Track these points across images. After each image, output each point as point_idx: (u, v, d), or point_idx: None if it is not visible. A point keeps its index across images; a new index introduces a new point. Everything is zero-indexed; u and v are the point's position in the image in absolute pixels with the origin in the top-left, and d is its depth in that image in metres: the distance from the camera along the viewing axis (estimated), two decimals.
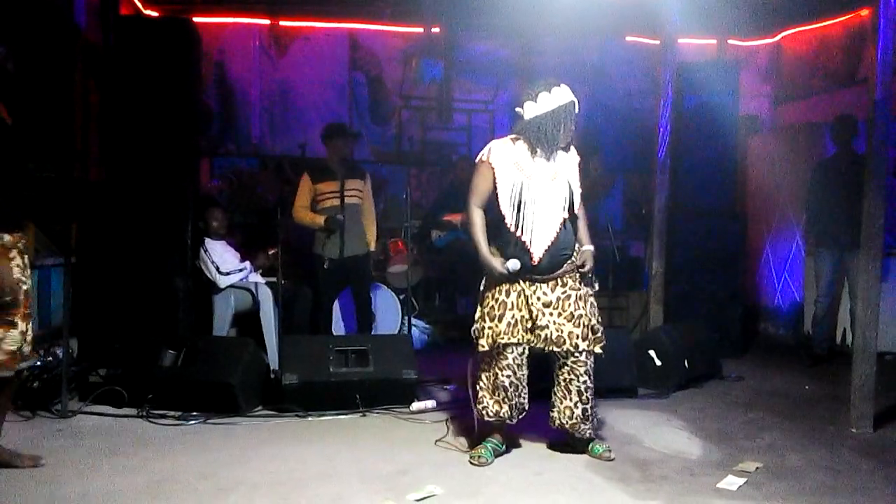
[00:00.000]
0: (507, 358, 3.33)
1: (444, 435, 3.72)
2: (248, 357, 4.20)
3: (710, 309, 5.81)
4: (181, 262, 5.13)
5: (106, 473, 3.15)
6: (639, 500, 2.97)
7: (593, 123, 7.58)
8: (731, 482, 3.14)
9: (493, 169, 3.34)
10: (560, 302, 3.31)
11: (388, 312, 5.98)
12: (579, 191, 3.43)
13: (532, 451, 3.55)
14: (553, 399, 3.46)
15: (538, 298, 3.31)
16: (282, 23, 7.40)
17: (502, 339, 3.29)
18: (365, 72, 7.65)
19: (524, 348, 3.35)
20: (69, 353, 4.14)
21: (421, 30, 7.58)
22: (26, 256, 3.09)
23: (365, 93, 7.66)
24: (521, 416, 3.47)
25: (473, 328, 3.41)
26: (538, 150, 3.33)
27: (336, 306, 5.52)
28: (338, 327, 5.67)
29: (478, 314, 3.41)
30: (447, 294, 6.94)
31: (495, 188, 3.34)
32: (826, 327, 5.75)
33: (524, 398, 3.44)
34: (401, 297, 5.99)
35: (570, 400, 3.39)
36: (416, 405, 4.22)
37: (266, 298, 5.18)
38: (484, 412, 3.42)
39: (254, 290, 5.24)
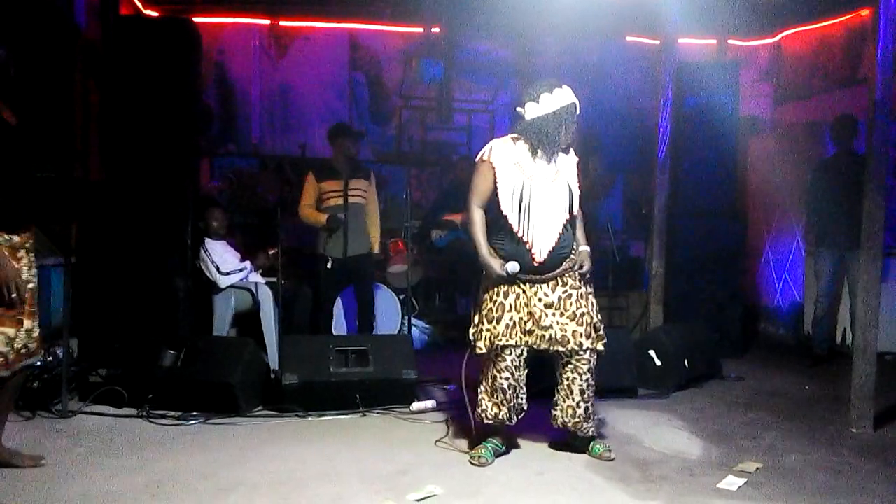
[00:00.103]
0: (505, 360, 3.32)
1: (444, 435, 3.73)
2: (248, 357, 4.20)
3: (710, 309, 5.82)
4: (181, 262, 5.13)
5: (106, 473, 3.15)
6: (639, 500, 2.97)
7: (593, 123, 7.57)
8: (731, 482, 3.14)
9: (493, 168, 3.34)
10: (562, 302, 3.31)
11: (388, 312, 5.98)
12: (579, 192, 3.43)
13: (532, 452, 3.54)
14: (556, 398, 3.45)
15: (539, 300, 3.30)
16: (282, 23, 7.41)
17: (500, 340, 3.28)
18: (365, 72, 7.66)
19: (522, 350, 3.33)
20: (69, 353, 4.14)
21: (421, 30, 7.58)
22: (32, 256, 3.13)
23: (365, 93, 7.66)
24: (519, 417, 3.46)
25: (470, 332, 3.40)
26: (539, 151, 3.33)
27: (337, 306, 5.52)
28: (338, 327, 5.67)
29: (476, 318, 3.39)
30: (447, 294, 6.94)
31: (496, 188, 3.33)
32: (826, 327, 5.75)
33: (523, 399, 3.43)
34: (401, 297, 5.99)
35: (573, 399, 3.38)
36: (416, 405, 4.22)
37: (266, 298, 5.18)
38: (483, 415, 3.41)
39: (254, 290, 5.24)
